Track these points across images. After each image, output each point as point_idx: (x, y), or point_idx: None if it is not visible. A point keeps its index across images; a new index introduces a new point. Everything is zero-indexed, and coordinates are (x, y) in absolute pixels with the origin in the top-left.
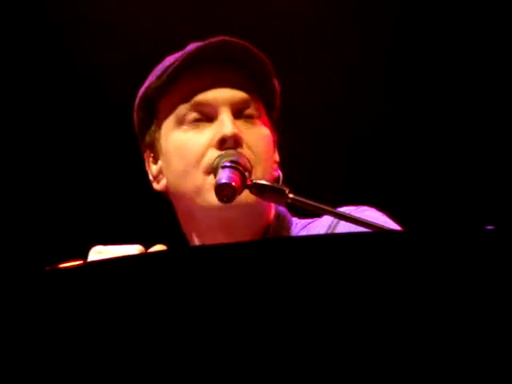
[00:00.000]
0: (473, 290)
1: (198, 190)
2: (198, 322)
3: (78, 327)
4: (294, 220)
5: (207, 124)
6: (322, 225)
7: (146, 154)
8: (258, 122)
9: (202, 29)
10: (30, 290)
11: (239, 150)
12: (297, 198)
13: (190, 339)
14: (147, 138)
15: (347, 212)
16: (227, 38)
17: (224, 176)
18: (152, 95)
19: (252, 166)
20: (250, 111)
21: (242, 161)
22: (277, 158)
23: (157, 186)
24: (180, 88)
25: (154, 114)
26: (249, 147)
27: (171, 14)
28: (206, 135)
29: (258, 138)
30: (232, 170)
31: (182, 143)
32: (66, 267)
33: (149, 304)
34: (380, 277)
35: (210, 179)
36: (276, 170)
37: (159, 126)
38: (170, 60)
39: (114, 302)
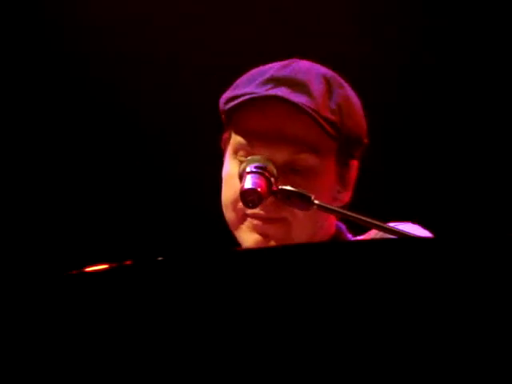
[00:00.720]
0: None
1: (235, 229)
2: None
3: (106, 331)
4: (351, 237)
5: None
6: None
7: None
8: (310, 175)
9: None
10: (58, 294)
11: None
12: (322, 204)
13: (219, 343)
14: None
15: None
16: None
17: (250, 181)
18: (225, 111)
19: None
20: (300, 165)
21: (269, 167)
22: (343, 185)
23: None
24: (240, 120)
25: (230, 123)
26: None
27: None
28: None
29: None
30: (258, 175)
31: (228, 176)
32: (92, 270)
33: (185, 307)
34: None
35: (246, 224)
36: (342, 196)
37: (229, 139)
38: (248, 81)
39: (145, 306)
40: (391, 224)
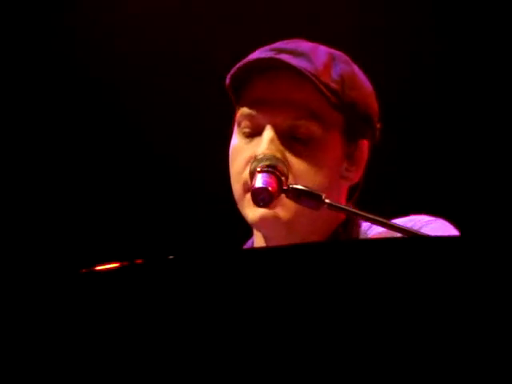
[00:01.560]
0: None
1: (239, 203)
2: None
3: (118, 328)
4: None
5: (255, 137)
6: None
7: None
8: (313, 144)
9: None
10: (69, 293)
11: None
12: (333, 203)
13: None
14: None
15: (419, 222)
16: (301, 46)
17: (260, 180)
18: (230, 86)
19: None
20: (302, 133)
21: (279, 165)
22: (351, 164)
23: None
24: (243, 92)
25: (237, 100)
26: (289, 169)
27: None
28: (249, 150)
29: (301, 160)
30: (268, 174)
31: (233, 150)
32: (103, 269)
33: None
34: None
35: (247, 197)
36: (352, 177)
37: (236, 113)
38: (250, 56)
39: (155, 304)
40: (425, 218)
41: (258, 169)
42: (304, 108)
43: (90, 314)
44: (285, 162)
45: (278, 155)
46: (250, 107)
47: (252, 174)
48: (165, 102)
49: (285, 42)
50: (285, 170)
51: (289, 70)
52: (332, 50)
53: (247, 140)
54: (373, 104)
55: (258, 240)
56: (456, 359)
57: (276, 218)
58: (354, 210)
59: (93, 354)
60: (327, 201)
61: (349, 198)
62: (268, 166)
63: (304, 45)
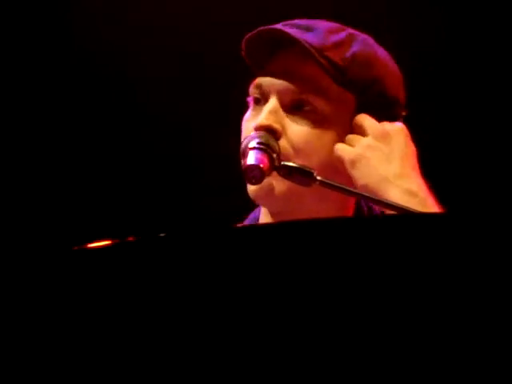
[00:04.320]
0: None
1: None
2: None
3: (110, 307)
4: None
5: (262, 106)
6: None
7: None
8: (314, 114)
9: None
10: (60, 269)
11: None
12: (325, 180)
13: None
14: None
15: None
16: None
17: (252, 157)
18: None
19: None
20: (305, 104)
21: (271, 143)
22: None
23: None
24: (255, 61)
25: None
26: (289, 141)
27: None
28: (254, 119)
29: (302, 133)
30: (260, 151)
31: (244, 120)
32: (95, 247)
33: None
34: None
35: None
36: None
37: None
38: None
39: (147, 282)
40: None
41: (250, 146)
42: (311, 83)
43: (81, 291)
44: (281, 135)
45: (276, 126)
46: (258, 79)
47: (244, 152)
48: (160, 83)
49: (310, 20)
50: (276, 147)
51: (295, 43)
52: (357, 32)
53: (253, 110)
54: (394, 87)
55: (263, 217)
56: (457, 345)
57: (270, 190)
58: (348, 188)
59: (84, 333)
60: (319, 178)
61: None
62: (260, 143)
63: (324, 23)
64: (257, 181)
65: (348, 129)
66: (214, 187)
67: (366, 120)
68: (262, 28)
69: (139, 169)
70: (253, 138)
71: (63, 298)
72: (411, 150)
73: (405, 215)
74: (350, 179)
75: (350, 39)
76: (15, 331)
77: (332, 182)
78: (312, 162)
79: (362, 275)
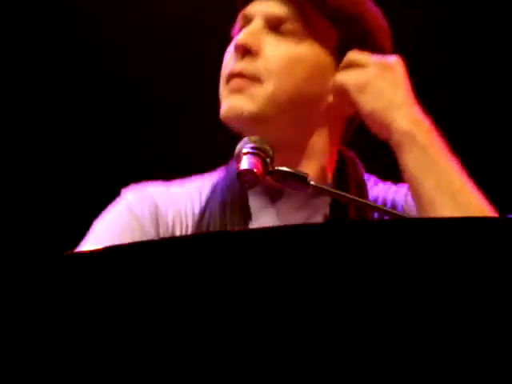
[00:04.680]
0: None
1: (221, 95)
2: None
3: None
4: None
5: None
6: (398, 192)
7: None
8: (293, 38)
9: None
10: (51, 275)
11: (249, 58)
12: (318, 185)
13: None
14: None
15: (388, 189)
16: None
17: (246, 162)
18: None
19: (270, 150)
20: (284, 28)
21: (265, 147)
22: (333, 112)
23: None
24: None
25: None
26: (264, 58)
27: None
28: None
29: (281, 50)
30: (254, 156)
31: (227, 50)
32: (87, 251)
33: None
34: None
35: (226, 89)
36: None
37: None
38: None
39: (140, 288)
40: (387, 184)
41: (244, 151)
42: (294, 7)
43: (74, 296)
44: (257, 55)
45: (252, 45)
46: (246, 3)
47: (238, 157)
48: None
49: None
50: (270, 152)
51: None
52: None
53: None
54: (380, 36)
55: (253, 197)
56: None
57: (240, 108)
58: (340, 193)
59: (76, 337)
60: (312, 183)
61: (345, 135)
62: (253, 148)
63: None
64: (250, 185)
65: (329, 68)
66: None
67: (362, 54)
68: None
69: (131, 175)
70: (246, 143)
71: (55, 304)
72: (408, 82)
73: (395, 220)
74: (335, 133)
75: None
76: (8, 337)
77: (325, 187)
78: (283, 86)
79: (357, 279)
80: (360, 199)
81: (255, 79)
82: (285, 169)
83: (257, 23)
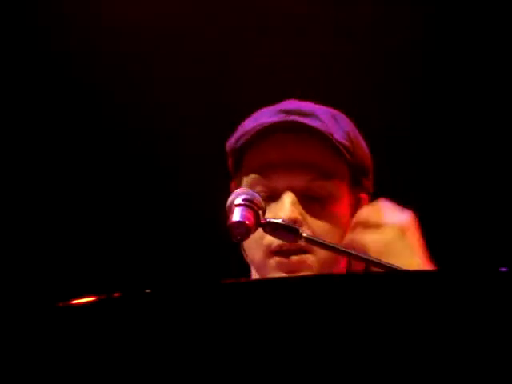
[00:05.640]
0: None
1: (262, 268)
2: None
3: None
4: None
5: (271, 201)
6: None
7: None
8: (327, 202)
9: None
10: (44, 326)
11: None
12: (310, 237)
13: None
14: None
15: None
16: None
17: (238, 214)
18: (237, 151)
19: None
20: (316, 194)
21: (256, 199)
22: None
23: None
24: (253, 157)
25: (240, 167)
26: (311, 229)
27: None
28: (270, 215)
29: (321, 219)
30: (245, 208)
31: None
32: (80, 303)
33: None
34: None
35: (272, 261)
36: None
37: (242, 182)
38: (255, 119)
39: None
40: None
41: (236, 202)
42: (318, 168)
43: (66, 347)
44: (302, 225)
45: (300, 217)
46: (262, 172)
47: (229, 209)
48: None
49: (283, 103)
50: (262, 203)
51: (302, 131)
52: (328, 108)
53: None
54: (369, 159)
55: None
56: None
57: (302, 264)
58: (331, 244)
59: None
60: (304, 234)
61: None
62: (245, 200)
63: (305, 105)
64: (242, 237)
65: (348, 203)
66: (203, 243)
67: (376, 212)
68: (270, 121)
69: (126, 225)
70: (238, 195)
71: (48, 355)
72: (422, 239)
73: (392, 272)
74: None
75: (333, 117)
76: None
77: (317, 239)
78: (331, 241)
79: (357, 328)
80: (357, 253)
81: (305, 250)
82: (276, 220)
83: (292, 196)
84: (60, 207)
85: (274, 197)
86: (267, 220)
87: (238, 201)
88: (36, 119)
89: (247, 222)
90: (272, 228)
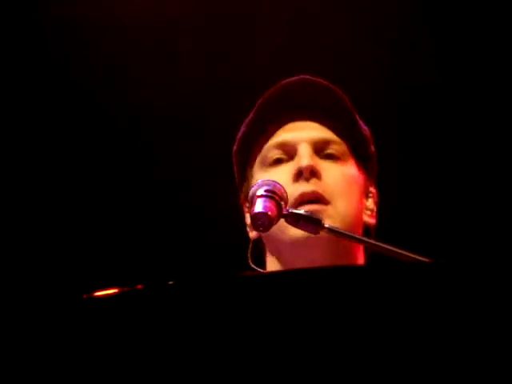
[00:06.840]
0: None
1: (283, 227)
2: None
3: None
4: None
5: (288, 162)
6: None
7: (242, 202)
8: (340, 161)
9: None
10: (69, 317)
11: (315, 180)
12: (333, 228)
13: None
14: (244, 187)
15: None
16: (308, 79)
17: (260, 205)
18: (245, 143)
19: (327, 199)
20: (330, 151)
21: (278, 190)
22: (369, 205)
23: (251, 235)
24: (265, 133)
25: (248, 162)
26: (326, 181)
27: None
28: (286, 172)
29: (337, 174)
30: (268, 199)
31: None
32: (103, 295)
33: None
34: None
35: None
36: (370, 217)
37: (252, 174)
38: (260, 103)
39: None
40: None
41: (258, 193)
42: (334, 130)
43: (90, 339)
44: (319, 175)
45: (318, 168)
46: (280, 136)
47: (252, 200)
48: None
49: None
50: (284, 194)
51: (318, 91)
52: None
53: (277, 169)
54: (372, 145)
55: (271, 265)
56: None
57: (318, 237)
58: (353, 235)
59: (92, 379)
60: (326, 225)
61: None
62: (267, 191)
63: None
64: (264, 228)
65: (363, 183)
66: (223, 235)
67: None
68: (307, 78)
69: (148, 216)
70: (260, 186)
71: (72, 346)
72: None
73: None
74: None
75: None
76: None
77: (340, 230)
78: (350, 200)
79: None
80: (372, 241)
81: (325, 201)
82: (299, 211)
83: (307, 148)
84: (61, 208)
85: (291, 156)
86: (289, 211)
87: (260, 192)
88: (36, 119)
89: (269, 213)
90: (294, 219)
